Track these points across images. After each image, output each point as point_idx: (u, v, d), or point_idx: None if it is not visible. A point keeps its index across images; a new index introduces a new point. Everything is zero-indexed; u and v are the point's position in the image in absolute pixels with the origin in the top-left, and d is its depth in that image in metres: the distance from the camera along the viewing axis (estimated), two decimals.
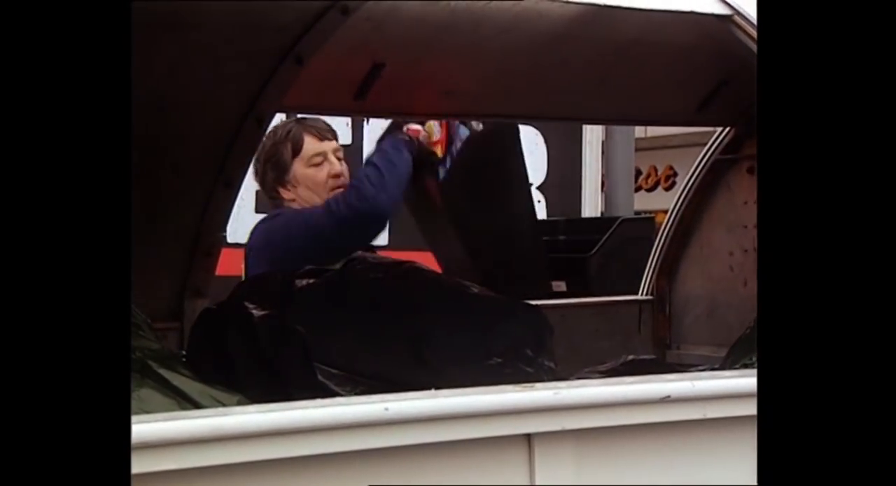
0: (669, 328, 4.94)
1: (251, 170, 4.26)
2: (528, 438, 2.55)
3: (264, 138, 4.19)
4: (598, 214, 11.18)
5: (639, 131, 13.44)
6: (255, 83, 3.86)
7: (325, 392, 3.09)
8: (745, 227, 4.74)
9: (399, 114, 4.19)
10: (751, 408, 2.69)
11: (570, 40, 4.09)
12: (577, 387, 2.63)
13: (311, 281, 3.57)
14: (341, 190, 4.07)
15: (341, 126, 10.50)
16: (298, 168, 4.16)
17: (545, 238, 9.33)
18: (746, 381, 2.79)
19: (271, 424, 2.27)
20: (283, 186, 4.16)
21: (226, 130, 3.91)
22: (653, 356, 3.89)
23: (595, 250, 8.87)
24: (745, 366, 3.29)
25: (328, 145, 4.22)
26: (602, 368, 3.85)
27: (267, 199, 4.36)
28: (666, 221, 4.96)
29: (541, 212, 11.04)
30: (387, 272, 3.74)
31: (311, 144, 4.19)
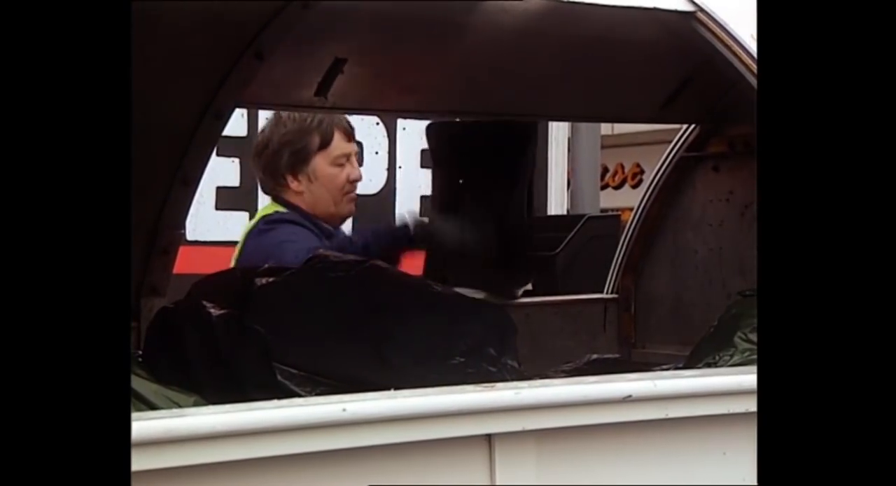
0: (634, 327, 4.91)
1: (254, 151, 4.19)
2: (489, 438, 2.51)
3: (278, 121, 4.13)
4: (564, 212, 11.16)
5: (605, 128, 13.43)
6: (213, 78, 3.80)
7: (285, 393, 3.04)
8: (711, 225, 4.72)
9: (361, 110, 4.15)
10: (713, 407, 2.68)
11: (533, 37, 4.05)
12: (538, 387, 2.59)
13: (271, 280, 3.53)
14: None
15: None
16: (321, 163, 4.12)
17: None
18: (708, 380, 2.78)
19: (225, 425, 2.22)
20: (295, 176, 4.11)
21: (184, 126, 3.86)
22: (616, 356, 3.85)
23: (560, 249, 8.85)
24: (708, 365, 3.26)
25: (353, 148, 4.18)
26: (565, 367, 3.83)
27: (265, 183, 4.26)
28: (631, 219, 4.93)
29: None
30: (348, 271, 3.69)
31: (339, 142, 4.16)
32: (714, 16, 3.26)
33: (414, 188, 11.06)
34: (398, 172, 10.98)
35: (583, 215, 9.64)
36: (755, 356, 3.38)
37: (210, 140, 3.94)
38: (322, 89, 4.05)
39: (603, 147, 11.85)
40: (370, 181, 10.90)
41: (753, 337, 3.51)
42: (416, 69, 4.19)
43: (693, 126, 4.76)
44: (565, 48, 4.20)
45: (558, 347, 4.68)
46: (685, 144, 4.77)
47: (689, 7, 3.32)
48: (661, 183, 4.80)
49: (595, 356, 3.81)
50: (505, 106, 4.49)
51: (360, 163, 11.82)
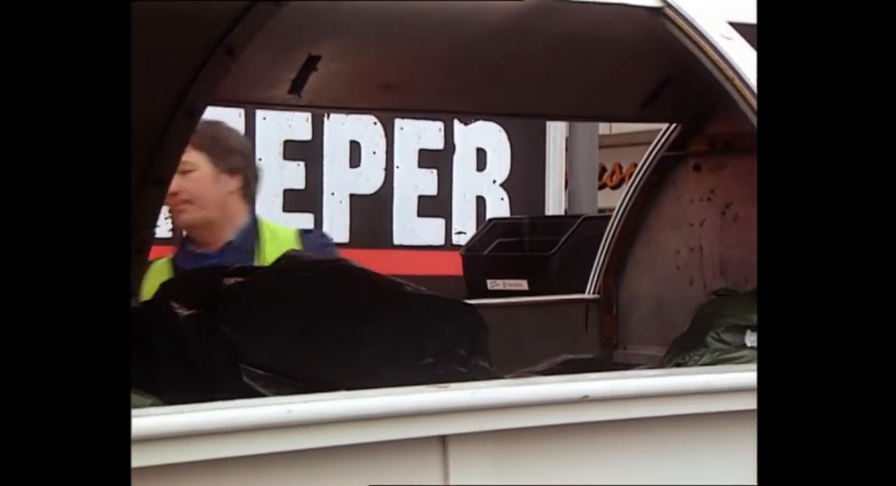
0: (616, 328, 4.87)
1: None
2: (443, 440, 2.47)
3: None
4: (562, 212, 11.14)
5: (603, 128, 13.40)
6: (184, 76, 3.77)
7: (250, 394, 3.02)
8: (692, 225, 4.68)
9: (337, 108, 4.11)
10: (673, 407, 2.64)
11: (512, 35, 4.02)
12: (493, 387, 2.56)
13: (241, 280, 3.50)
14: None
15: (301, 121, 10.58)
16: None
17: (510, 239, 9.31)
18: (669, 380, 2.74)
19: (164, 427, 2.19)
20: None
21: (155, 124, 3.83)
22: (590, 356, 3.81)
23: (557, 249, 8.82)
24: (678, 365, 3.23)
25: (191, 158, 4.09)
26: (538, 368, 3.80)
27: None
28: (613, 219, 4.90)
29: (504, 210, 11.02)
30: (319, 271, 3.67)
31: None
32: (682, 12, 3.22)
33: (411, 188, 11.05)
34: (396, 172, 10.96)
35: (579, 215, 9.62)
36: (727, 356, 3.36)
37: (182, 138, 3.91)
38: (296, 87, 4.02)
39: (601, 147, 11.82)
40: (367, 181, 10.90)
41: (726, 337, 3.49)
42: (394, 67, 4.16)
43: (674, 125, 4.73)
44: (545, 46, 4.17)
45: (540, 348, 4.64)
46: (666, 144, 4.73)
47: (656, 3, 3.28)
48: (642, 183, 4.76)
49: (569, 357, 3.77)
50: (485, 105, 4.46)
51: (358, 163, 11.84)
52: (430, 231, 11.05)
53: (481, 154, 11.18)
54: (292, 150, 10.56)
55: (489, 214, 10.85)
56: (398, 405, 2.44)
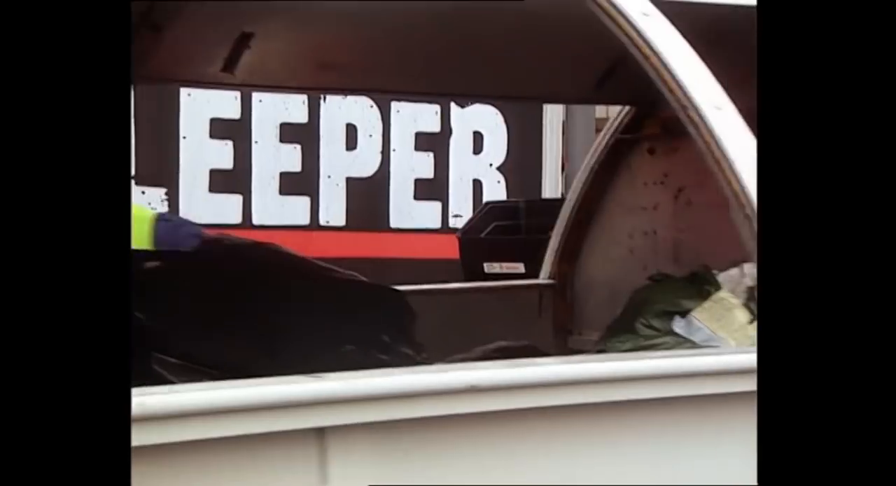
0: (571, 313, 4.77)
1: None
2: (321, 432, 2.36)
3: None
4: (559, 196, 11.05)
5: (600, 111, 13.26)
6: None
7: (160, 382, 2.93)
8: (645, 209, 4.57)
9: (272, 87, 4.02)
10: (576, 396, 2.52)
11: (457, 15, 3.91)
12: (373, 377, 2.44)
13: (158, 264, 3.43)
14: None
15: (297, 104, 10.52)
16: None
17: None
18: (567, 368, 2.61)
19: None
20: None
21: None
22: (525, 343, 3.71)
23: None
24: (601, 351, 3.12)
25: None
26: (470, 354, 3.71)
27: None
28: (567, 203, 4.79)
29: (500, 193, 10.94)
30: (242, 255, 3.59)
31: None
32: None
33: (408, 171, 10.98)
34: (392, 156, 10.89)
35: None
36: (648, 342, 3.26)
37: None
38: (229, 65, 3.92)
39: (597, 130, 11.69)
40: (364, 165, 10.84)
41: (655, 323, 3.39)
42: (331, 46, 4.06)
43: (628, 108, 4.62)
44: (492, 26, 4.06)
45: (491, 333, 4.54)
46: (620, 126, 4.62)
47: None
48: (597, 166, 4.65)
49: (503, 344, 3.67)
50: (432, 84, 4.35)
51: (355, 146, 11.76)
52: (427, 214, 11.02)
53: (478, 137, 11.13)
54: (289, 133, 10.51)
55: (486, 198, 10.79)
56: (272, 396, 2.33)
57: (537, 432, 2.50)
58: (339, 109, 10.75)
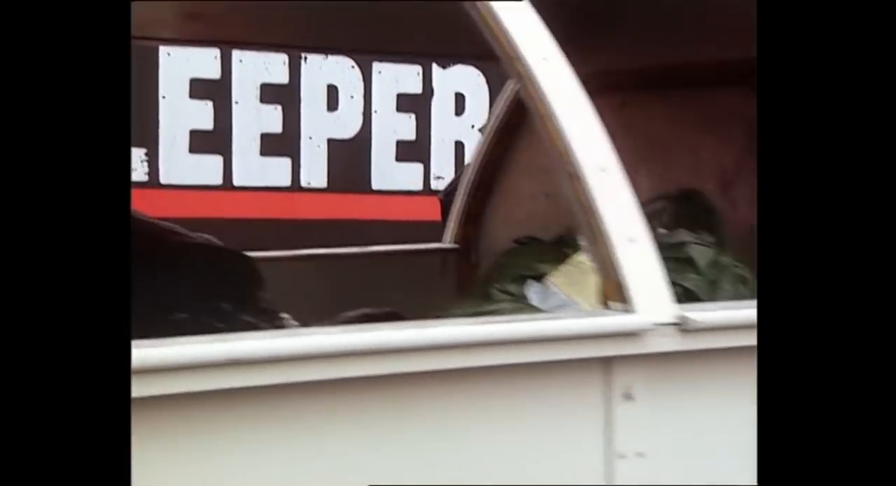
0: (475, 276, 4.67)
1: None
2: None
3: None
4: None
5: None
6: None
7: None
8: (547, 171, 4.45)
9: (135, 38, 3.88)
10: (382, 366, 2.38)
11: None
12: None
13: None
14: None
15: (277, 64, 10.42)
16: None
17: None
18: (340, 338, 2.44)
19: None
20: None
21: None
22: (391, 309, 3.60)
23: None
24: (438, 318, 3.00)
25: None
26: (336, 321, 3.62)
27: None
28: (471, 165, 4.69)
29: None
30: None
31: None
32: None
33: (389, 133, 10.88)
34: (374, 117, 10.80)
35: None
36: (484, 308, 3.15)
37: None
38: None
39: None
40: (346, 126, 10.75)
41: (511, 288, 3.29)
42: None
43: None
44: None
45: (391, 300, 4.44)
46: None
47: None
48: (500, 127, 4.54)
49: (367, 310, 3.56)
50: (306, 39, 4.19)
51: (336, 107, 11.64)
52: (409, 176, 10.93)
53: (460, 98, 11.05)
54: (269, 93, 10.43)
55: (468, 159, 10.66)
56: None
57: (344, 405, 2.37)
58: (321, 70, 10.65)
